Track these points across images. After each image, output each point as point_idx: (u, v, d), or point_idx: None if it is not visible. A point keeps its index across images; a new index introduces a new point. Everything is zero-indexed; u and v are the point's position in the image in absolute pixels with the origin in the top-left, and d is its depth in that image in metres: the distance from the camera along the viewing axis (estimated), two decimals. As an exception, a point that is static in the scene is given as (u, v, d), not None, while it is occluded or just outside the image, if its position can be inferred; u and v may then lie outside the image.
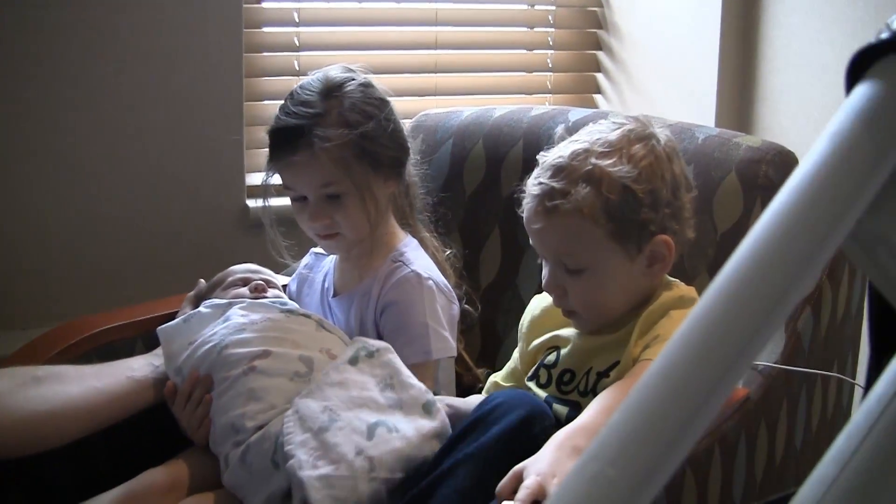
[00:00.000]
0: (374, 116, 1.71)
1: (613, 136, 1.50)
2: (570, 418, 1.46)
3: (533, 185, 1.52)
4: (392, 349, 1.60)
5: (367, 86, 1.73)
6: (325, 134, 1.67)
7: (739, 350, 0.53)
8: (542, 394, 1.58)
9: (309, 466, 1.42)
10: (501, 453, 1.37)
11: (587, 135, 1.53)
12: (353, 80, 1.72)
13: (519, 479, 1.29)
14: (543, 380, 1.60)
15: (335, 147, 1.67)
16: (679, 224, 1.51)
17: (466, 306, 1.87)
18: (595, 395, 1.49)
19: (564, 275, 1.51)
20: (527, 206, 1.53)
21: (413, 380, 1.56)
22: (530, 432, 1.38)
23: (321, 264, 1.89)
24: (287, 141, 1.70)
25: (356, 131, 1.68)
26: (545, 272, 1.55)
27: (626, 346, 1.49)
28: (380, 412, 1.50)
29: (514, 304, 1.89)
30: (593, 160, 1.47)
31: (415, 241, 1.80)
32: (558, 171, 1.49)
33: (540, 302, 1.69)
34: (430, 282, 1.72)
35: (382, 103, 1.74)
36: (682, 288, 1.56)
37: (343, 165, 1.68)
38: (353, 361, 1.57)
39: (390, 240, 1.78)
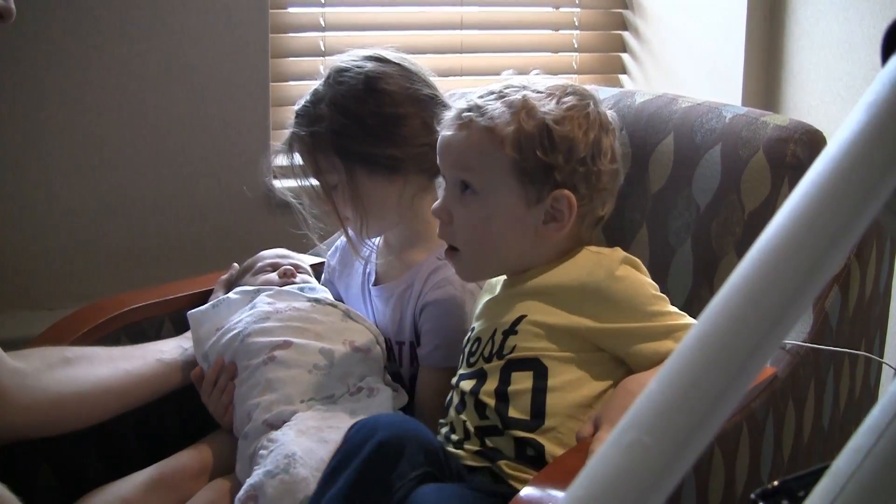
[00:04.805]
0: (353, 112, 1.64)
1: (554, 83, 1.49)
2: (474, 391, 1.44)
3: (460, 99, 1.52)
4: None
5: (372, 78, 1.65)
6: (302, 122, 1.67)
7: (781, 310, 0.53)
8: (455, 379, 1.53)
9: None
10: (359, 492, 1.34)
11: (534, 77, 1.52)
12: (360, 70, 1.66)
13: (597, 425, 1.32)
14: (462, 366, 1.53)
15: (308, 137, 1.66)
16: (588, 190, 1.45)
17: None
18: (501, 356, 1.45)
19: (457, 198, 1.47)
20: (445, 116, 1.51)
21: None
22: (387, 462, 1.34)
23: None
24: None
25: (323, 126, 1.65)
26: (440, 196, 1.53)
27: (573, 316, 1.43)
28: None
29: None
30: (524, 92, 1.45)
31: None
32: (488, 93, 1.48)
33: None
34: (472, 285, 1.64)
35: (380, 97, 1.65)
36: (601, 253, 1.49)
37: (314, 157, 1.67)
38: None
39: (435, 235, 1.68)
